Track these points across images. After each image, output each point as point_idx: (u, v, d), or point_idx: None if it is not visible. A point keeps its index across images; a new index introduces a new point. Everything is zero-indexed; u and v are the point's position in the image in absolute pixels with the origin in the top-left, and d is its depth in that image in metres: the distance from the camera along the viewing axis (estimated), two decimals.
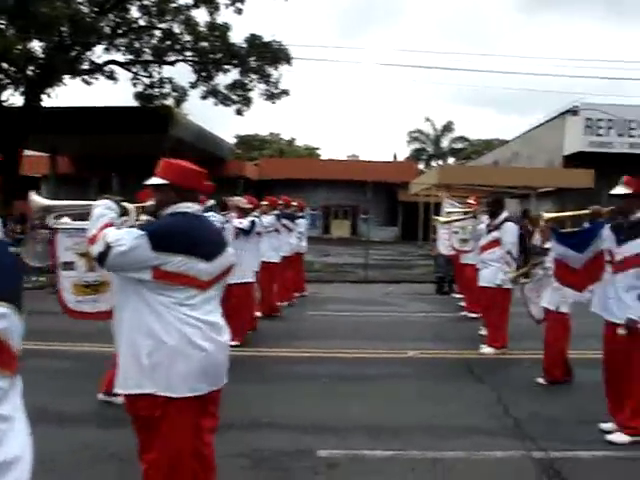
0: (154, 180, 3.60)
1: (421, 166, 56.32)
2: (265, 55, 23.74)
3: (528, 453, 5.32)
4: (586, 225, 6.21)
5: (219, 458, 3.69)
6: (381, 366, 8.38)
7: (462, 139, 61.91)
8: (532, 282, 8.03)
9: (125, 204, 3.81)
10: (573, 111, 31.34)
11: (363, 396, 6.93)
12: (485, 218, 9.76)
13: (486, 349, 8.98)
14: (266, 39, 23.58)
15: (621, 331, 5.52)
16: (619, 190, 5.66)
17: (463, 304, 12.51)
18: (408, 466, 5.01)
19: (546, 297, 7.42)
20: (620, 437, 5.59)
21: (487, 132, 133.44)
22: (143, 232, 3.31)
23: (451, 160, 61.52)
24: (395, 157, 60.65)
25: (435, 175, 29.69)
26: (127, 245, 3.26)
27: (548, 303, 7.38)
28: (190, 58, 23.88)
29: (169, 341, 3.33)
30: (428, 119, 60.93)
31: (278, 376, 7.78)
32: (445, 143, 60.53)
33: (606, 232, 5.82)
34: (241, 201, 9.68)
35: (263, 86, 24.67)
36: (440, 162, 58.58)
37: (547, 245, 7.07)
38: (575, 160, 30.59)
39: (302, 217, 14.48)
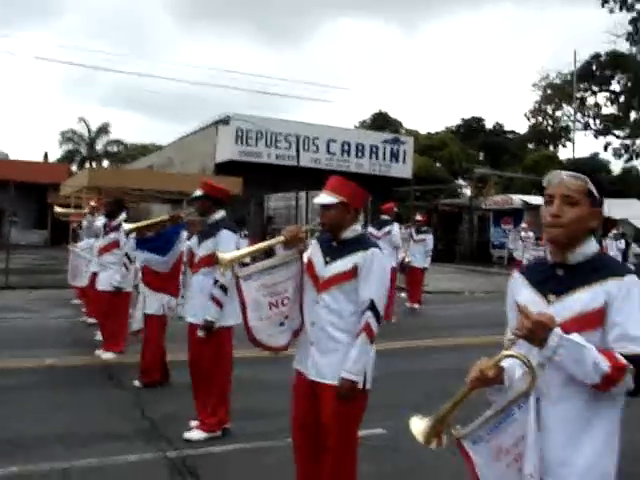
0: None
1: (74, 168, 54.39)
2: None
3: (162, 454, 5.36)
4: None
5: None
6: (16, 376, 7.86)
7: (118, 142, 61.03)
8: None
9: None
10: (225, 121, 32.69)
11: None
12: (101, 217, 9.63)
13: (105, 354, 8.71)
14: None
15: (200, 332, 5.61)
16: (195, 193, 5.89)
17: (84, 309, 11.97)
18: None
19: (146, 304, 7.42)
20: (197, 434, 5.72)
21: (143, 137, 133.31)
22: None
23: (106, 163, 60.40)
24: (46, 157, 57.97)
25: (86, 177, 28.75)
26: None
27: (148, 309, 7.38)
28: None
29: None
30: (82, 119, 58.84)
31: None
32: (100, 145, 59.21)
33: (192, 238, 6.09)
34: None
35: None
36: (95, 164, 57.29)
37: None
38: (226, 168, 31.88)
39: None
